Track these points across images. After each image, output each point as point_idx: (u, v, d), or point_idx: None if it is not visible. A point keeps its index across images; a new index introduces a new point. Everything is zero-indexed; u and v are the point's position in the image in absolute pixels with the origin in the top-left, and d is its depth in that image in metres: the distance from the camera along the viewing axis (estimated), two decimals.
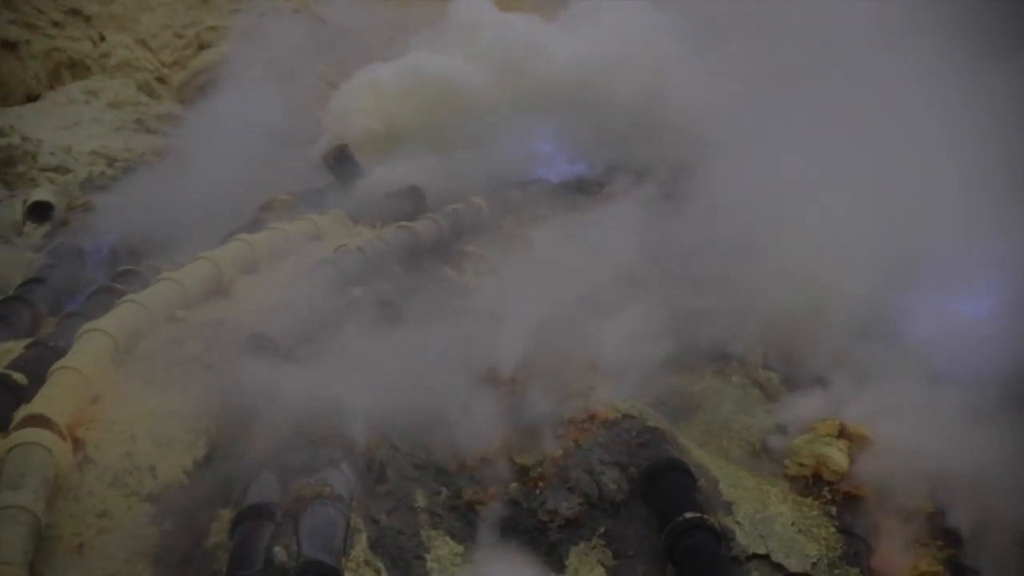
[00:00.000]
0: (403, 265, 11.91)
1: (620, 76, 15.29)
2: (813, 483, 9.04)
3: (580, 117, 15.32)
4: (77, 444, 8.42)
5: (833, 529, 8.67)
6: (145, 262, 11.77)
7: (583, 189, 14.79)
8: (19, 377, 9.13)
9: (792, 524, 8.67)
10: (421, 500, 8.63)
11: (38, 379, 9.00)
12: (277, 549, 7.67)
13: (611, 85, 15.24)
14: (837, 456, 9.02)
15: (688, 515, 8.18)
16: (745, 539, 8.42)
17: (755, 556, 8.26)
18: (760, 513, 8.69)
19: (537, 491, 8.68)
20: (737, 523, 8.54)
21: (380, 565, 7.94)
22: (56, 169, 16.64)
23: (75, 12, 19.94)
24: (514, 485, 8.74)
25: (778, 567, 8.13)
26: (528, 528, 8.52)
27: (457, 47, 15.83)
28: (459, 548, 8.39)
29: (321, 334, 10.00)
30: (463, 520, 8.60)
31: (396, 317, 10.41)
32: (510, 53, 15.61)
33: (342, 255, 11.20)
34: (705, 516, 8.23)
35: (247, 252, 11.37)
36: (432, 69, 15.54)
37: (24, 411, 8.49)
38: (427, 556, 8.24)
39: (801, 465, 9.11)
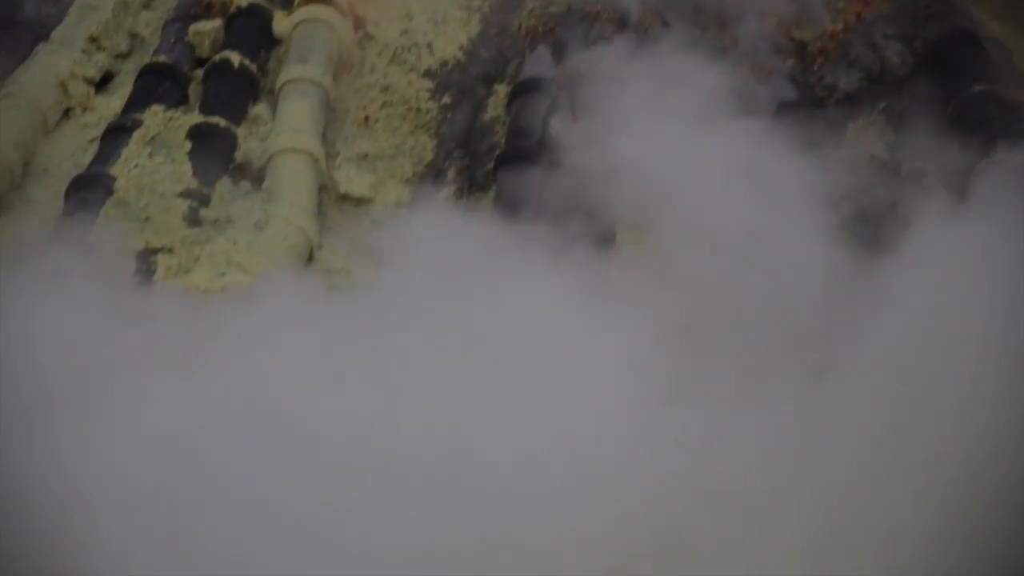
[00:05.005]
0: None
1: None
2: None
3: None
4: (357, 21, 8.64)
5: None
6: None
7: None
8: None
9: None
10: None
11: None
12: (553, 122, 7.83)
13: None
14: None
15: (977, 88, 7.75)
16: None
17: None
18: None
19: (815, 67, 8.40)
20: None
21: None
22: None
23: None
24: (791, 61, 8.48)
25: None
26: (805, 104, 8.31)
27: None
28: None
29: None
30: (739, 97, 8.42)
31: None
32: None
33: None
34: (996, 89, 7.75)
35: None
36: None
37: None
38: None
39: None
